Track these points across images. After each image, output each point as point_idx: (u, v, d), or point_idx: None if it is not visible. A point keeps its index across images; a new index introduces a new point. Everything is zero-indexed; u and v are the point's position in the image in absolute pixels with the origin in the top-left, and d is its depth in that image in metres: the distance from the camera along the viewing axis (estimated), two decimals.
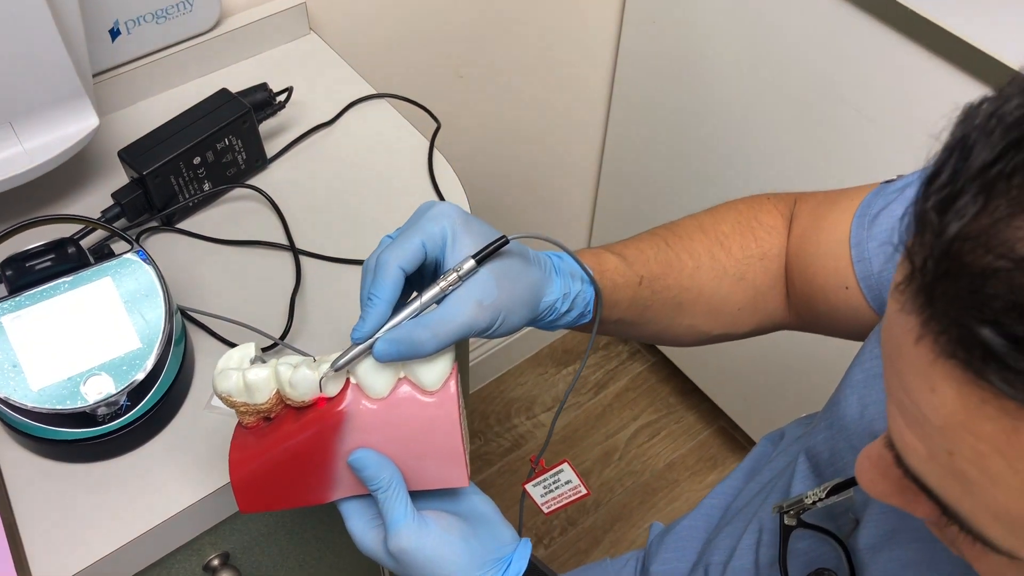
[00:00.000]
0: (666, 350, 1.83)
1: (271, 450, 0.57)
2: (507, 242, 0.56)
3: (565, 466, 0.76)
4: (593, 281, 0.64)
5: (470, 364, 1.77)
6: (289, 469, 0.58)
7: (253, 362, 0.58)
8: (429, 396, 0.57)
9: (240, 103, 0.86)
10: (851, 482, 0.63)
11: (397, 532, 0.57)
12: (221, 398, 0.57)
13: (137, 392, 0.69)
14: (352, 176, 0.92)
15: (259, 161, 0.90)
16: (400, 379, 0.57)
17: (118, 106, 0.95)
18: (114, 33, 0.91)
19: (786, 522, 0.65)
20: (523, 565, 0.61)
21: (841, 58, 1.12)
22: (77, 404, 0.67)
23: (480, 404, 1.83)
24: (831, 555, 0.65)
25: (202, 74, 0.99)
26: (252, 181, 0.90)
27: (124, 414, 0.69)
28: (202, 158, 0.84)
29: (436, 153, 0.93)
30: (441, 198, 0.89)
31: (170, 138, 0.83)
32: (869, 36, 1.07)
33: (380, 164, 0.93)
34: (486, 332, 0.57)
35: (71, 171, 0.88)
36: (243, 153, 0.88)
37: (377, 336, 0.54)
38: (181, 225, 0.86)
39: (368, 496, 0.60)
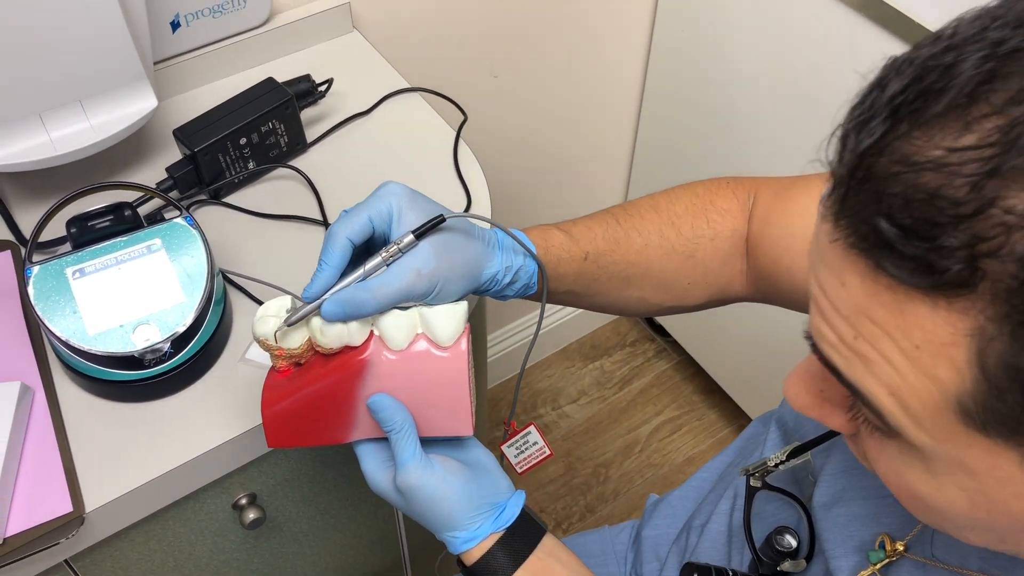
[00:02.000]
0: (692, 350, 1.88)
1: (300, 391, 0.65)
2: (443, 220, 0.63)
3: (532, 429, 0.84)
4: (535, 257, 0.71)
5: (500, 355, 1.85)
6: (314, 409, 0.66)
7: (289, 312, 0.66)
8: (443, 351, 0.64)
9: (284, 91, 0.95)
10: (809, 445, 0.69)
11: (405, 470, 0.64)
12: (259, 341, 0.65)
13: (180, 341, 0.78)
14: (384, 162, 1.00)
15: (299, 145, 0.99)
16: (418, 334, 0.65)
17: (175, 92, 1.04)
18: (175, 25, 1.00)
19: (751, 484, 0.72)
20: (516, 512, 0.68)
21: (863, 72, 1.18)
22: (127, 349, 0.76)
23: (507, 393, 1.90)
24: (794, 516, 0.71)
25: (252, 66, 1.08)
26: (292, 163, 0.98)
27: (167, 360, 0.78)
28: (248, 139, 0.93)
29: (462, 143, 1.01)
30: (464, 185, 0.97)
31: (220, 120, 0.92)
32: (892, 54, 1.12)
33: (410, 152, 1.01)
34: (425, 297, 0.64)
35: (131, 147, 0.97)
36: (285, 136, 0.96)
37: (324, 297, 0.63)
38: (227, 199, 0.95)
39: (382, 440, 0.68)
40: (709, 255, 0.78)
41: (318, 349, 0.65)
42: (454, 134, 1.02)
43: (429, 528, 0.68)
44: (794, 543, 0.68)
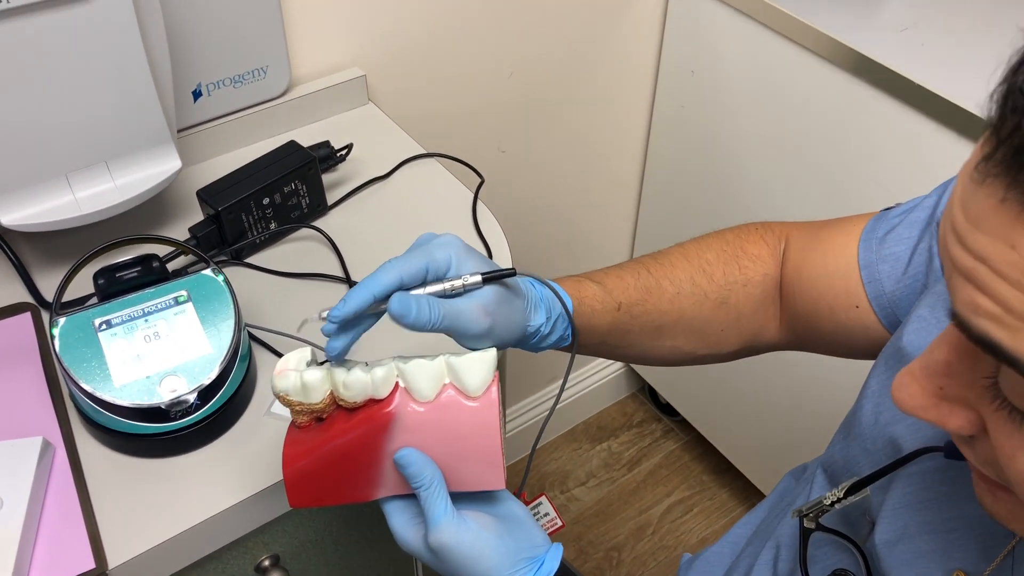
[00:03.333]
0: (703, 429, 1.85)
1: (323, 447, 0.63)
2: (514, 273, 0.63)
3: (543, 499, 0.82)
4: (570, 316, 0.71)
5: (509, 435, 1.82)
6: (338, 466, 0.63)
7: (309, 365, 0.64)
8: (472, 401, 0.62)
9: (306, 152, 0.96)
10: (867, 481, 0.67)
11: (437, 527, 0.61)
12: (279, 397, 0.63)
13: (206, 393, 0.76)
14: (404, 222, 1.00)
15: (320, 206, 0.99)
16: (445, 384, 0.63)
17: (196, 160, 1.05)
18: (196, 94, 1.02)
19: (805, 525, 0.69)
20: (555, 565, 0.65)
21: (862, 134, 1.21)
22: (153, 400, 0.75)
23: (515, 477, 1.87)
24: (849, 560, 0.69)
25: (271, 135, 1.10)
26: (314, 224, 0.99)
27: (193, 412, 0.76)
28: (270, 199, 0.94)
29: (480, 204, 1.02)
30: (485, 243, 0.97)
31: (243, 181, 0.93)
32: (889, 114, 1.15)
33: (430, 213, 1.02)
34: (478, 337, 0.63)
35: (153, 210, 0.98)
36: (307, 198, 0.97)
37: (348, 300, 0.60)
38: (248, 260, 0.95)
39: (409, 496, 0.65)
40: (742, 300, 0.78)
41: (341, 403, 0.63)
42: (471, 196, 1.03)
43: None
44: None
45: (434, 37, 1.22)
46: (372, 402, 0.62)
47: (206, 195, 0.92)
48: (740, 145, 1.41)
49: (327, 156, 1.01)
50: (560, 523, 0.84)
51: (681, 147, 1.54)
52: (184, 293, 0.79)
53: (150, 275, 0.79)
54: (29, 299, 0.90)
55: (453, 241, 0.65)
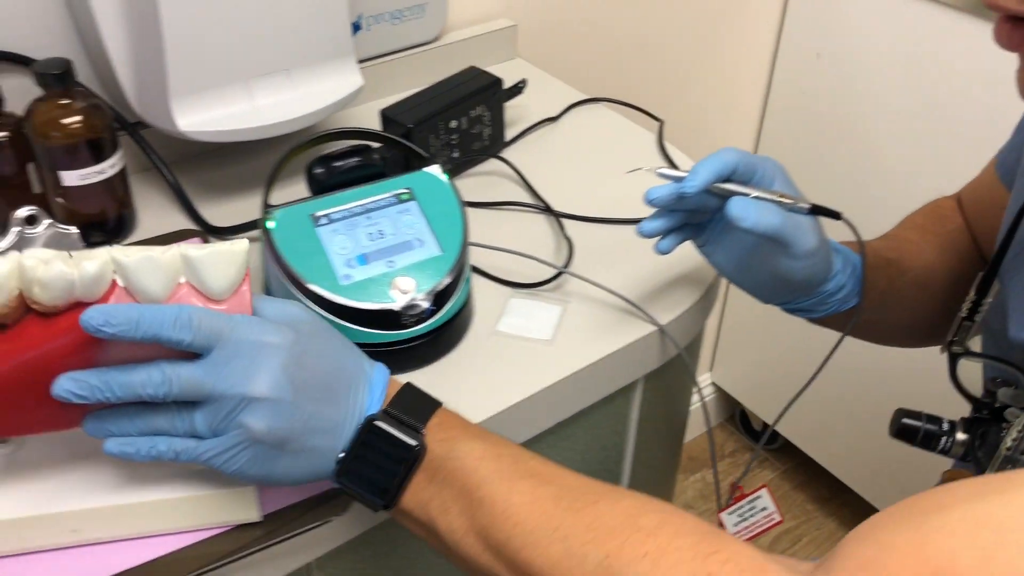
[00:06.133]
0: (809, 452, 1.73)
1: (12, 359, 0.47)
2: (839, 217, 0.62)
3: (764, 491, 0.74)
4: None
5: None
6: (34, 386, 0.47)
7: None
8: (217, 305, 0.49)
9: (489, 75, 0.88)
10: (992, 272, 0.64)
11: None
12: None
13: (439, 298, 0.66)
14: (587, 159, 0.92)
15: (499, 141, 0.90)
16: (180, 284, 0.49)
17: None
18: (356, 27, 0.93)
19: (953, 351, 0.65)
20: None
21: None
22: (386, 302, 0.64)
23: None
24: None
25: (420, 84, 1.01)
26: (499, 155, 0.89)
27: (427, 319, 0.65)
28: (458, 122, 0.85)
29: (668, 144, 0.93)
30: None
31: (429, 101, 0.84)
32: None
33: (616, 152, 0.93)
34: (805, 257, 0.61)
35: None
36: (489, 127, 0.88)
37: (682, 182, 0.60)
38: None
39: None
40: (965, 247, 0.78)
41: (34, 307, 0.47)
42: (653, 138, 0.94)
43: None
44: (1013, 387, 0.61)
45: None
46: (79, 305, 0.47)
47: (393, 113, 0.82)
48: (873, 129, 1.34)
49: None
50: (779, 518, 0.75)
51: (798, 135, 1.47)
52: (407, 191, 0.69)
53: (370, 168, 0.69)
54: (192, 226, 0.79)
55: (776, 161, 0.63)
